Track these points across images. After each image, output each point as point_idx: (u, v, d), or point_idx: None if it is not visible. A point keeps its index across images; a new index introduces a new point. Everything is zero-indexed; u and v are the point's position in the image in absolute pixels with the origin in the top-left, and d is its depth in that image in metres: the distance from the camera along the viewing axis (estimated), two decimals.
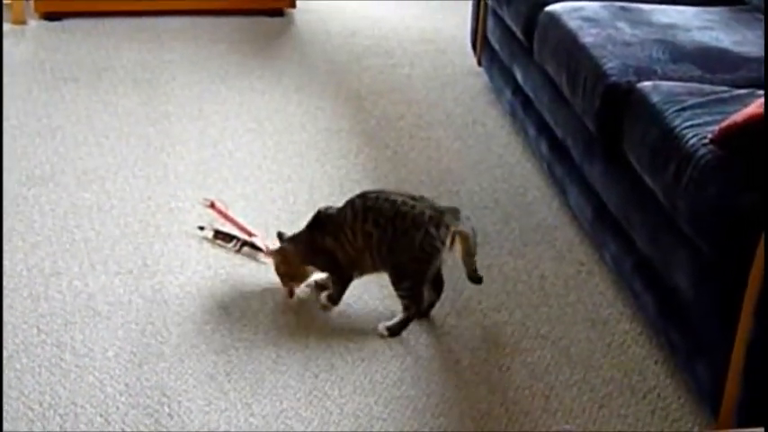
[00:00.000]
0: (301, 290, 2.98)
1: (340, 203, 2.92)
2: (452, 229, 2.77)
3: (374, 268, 2.87)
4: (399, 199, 2.80)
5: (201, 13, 5.26)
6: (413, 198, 2.82)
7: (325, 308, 2.93)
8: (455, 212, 2.82)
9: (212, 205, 3.34)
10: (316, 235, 2.89)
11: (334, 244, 2.85)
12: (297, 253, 2.92)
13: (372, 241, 2.80)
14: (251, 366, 2.68)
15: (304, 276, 2.97)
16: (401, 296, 2.83)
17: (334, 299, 2.93)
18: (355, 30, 5.20)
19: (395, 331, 2.83)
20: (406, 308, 2.83)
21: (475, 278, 2.88)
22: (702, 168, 2.38)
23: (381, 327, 2.84)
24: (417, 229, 2.75)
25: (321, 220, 2.89)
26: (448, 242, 2.77)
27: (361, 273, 2.91)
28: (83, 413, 2.49)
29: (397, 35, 5.13)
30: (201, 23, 5.17)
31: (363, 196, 2.85)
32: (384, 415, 2.53)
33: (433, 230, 2.75)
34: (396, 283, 2.83)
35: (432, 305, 2.91)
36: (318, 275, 2.99)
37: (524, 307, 2.97)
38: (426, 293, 2.87)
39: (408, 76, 4.63)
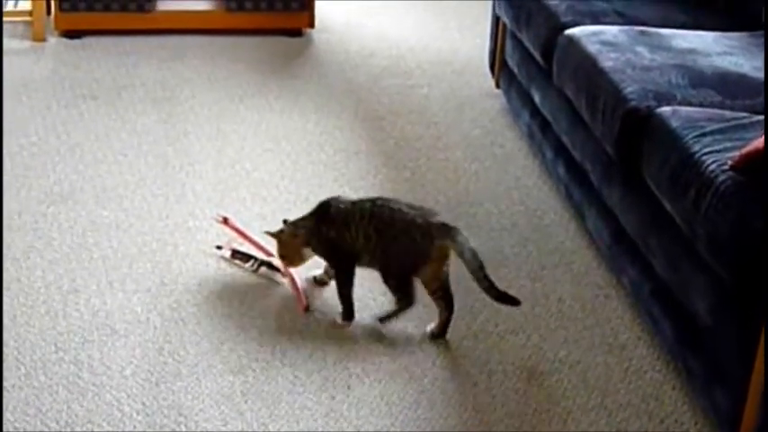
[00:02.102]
0: (319, 311, 2.99)
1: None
2: (437, 242, 2.85)
3: (370, 265, 2.98)
4: (399, 207, 2.93)
5: (220, 33, 5.28)
6: (413, 208, 2.94)
7: (339, 327, 2.95)
8: (448, 229, 2.87)
9: (225, 221, 3.34)
10: (321, 226, 2.99)
11: (336, 237, 2.96)
12: (296, 238, 3.04)
13: (371, 244, 2.91)
14: (268, 387, 2.68)
15: (302, 260, 3.08)
16: (392, 292, 2.95)
17: (346, 315, 2.98)
18: (373, 50, 5.21)
19: (383, 319, 2.96)
20: (398, 300, 2.95)
21: (499, 297, 2.87)
22: (722, 194, 2.38)
23: (373, 316, 2.97)
24: (404, 235, 2.87)
25: (330, 213, 2.99)
26: (434, 254, 2.86)
27: (360, 265, 3.01)
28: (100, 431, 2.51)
29: (415, 56, 5.14)
30: (220, 43, 5.19)
31: (373, 201, 2.97)
32: None
33: (418, 238, 2.86)
34: (384, 280, 2.95)
35: (446, 323, 2.93)
36: (317, 272, 3.13)
37: (541, 330, 2.97)
38: (438, 310, 2.92)
39: (426, 96, 4.64)
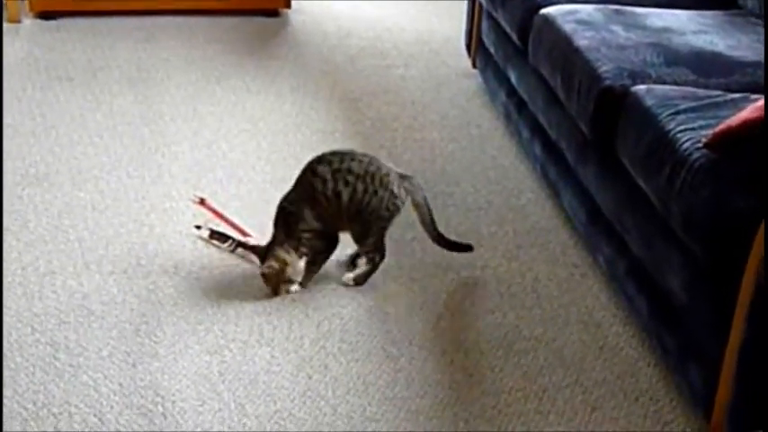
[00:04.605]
0: (296, 289, 2.99)
1: None
2: (410, 194, 3.00)
3: (341, 225, 3.00)
4: (364, 159, 2.95)
5: (196, 13, 5.27)
6: (366, 156, 2.98)
7: (289, 291, 3.01)
8: (409, 178, 3.02)
9: (202, 202, 3.34)
10: (292, 226, 2.95)
11: (312, 218, 2.94)
12: (283, 258, 2.95)
13: (342, 200, 2.92)
14: (245, 367, 2.69)
15: (290, 281, 3.00)
16: (366, 251, 3.01)
17: (304, 281, 3.03)
18: (350, 31, 5.21)
19: (360, 281, 3.02)
20: (370, 260, 3.02)
21: (450, 245, 3.06)
22: (696, 172, 2.39)
23: (347, 278, 3.02)
24: (385, 189, 2.93)
25: (287, 213, 2.97)
26: (407, 203, 3.00)
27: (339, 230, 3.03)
28: (77, 413, 2.50)
29: (391, 36, 5.14)
30: (196, 23, 5.17)
31: (323, 162, 2.94)
32: (377, 416, 2.54)
33: (395, 190, 2.95)
34: (360, 239, 2.99)
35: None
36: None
37: (518, 309, 2.98)
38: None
39: (403, 77, 4.64)
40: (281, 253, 2.94)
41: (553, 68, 3.32)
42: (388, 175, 2.94)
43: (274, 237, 2.98)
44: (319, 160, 2.95)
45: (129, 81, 4.44)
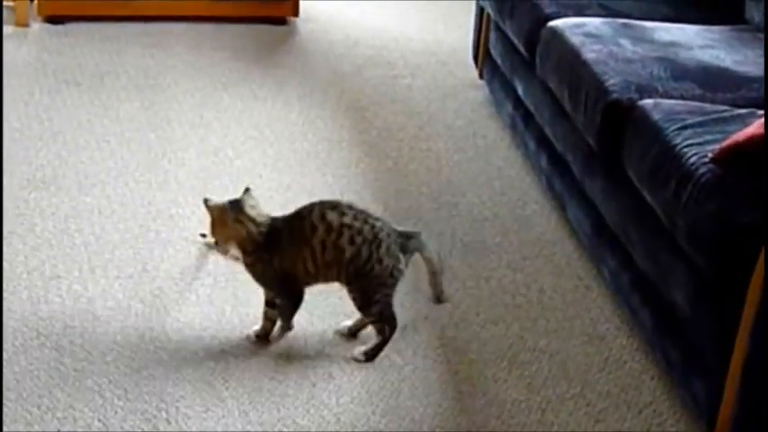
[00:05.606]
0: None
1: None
2: (419, 250, 2.77)
3: (337, 279, 2.73)
4: (376, 224, 2.69)
5: (204, 20, 5.27)
6: (378, 220, 2.71)
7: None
8: (419, 237, 2.78)
9: None
10: (273, 252, 2.73)
11: (293, 259, 2.70)
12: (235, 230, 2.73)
13: (344, 257, 2.66)
14: (249, 374, 2.69)
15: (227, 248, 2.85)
16: (372, 322, 2.79)
17: (287, 325, 2.86)
18: (357, 40, 5.21)
19: (371, 356, 2.78)
20: (380, 331, 2.79)
21: (441, 300, 2.91)
22: (702, 186, 2.40)
23: (357, 352, 2.78)
24: (390, 257, 2.69)
25: (276, 235, 2.73)
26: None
27: (315, 283, 2.78)
28: (81, 417, 2.50)
29: (398, 46, 5.15)
30: (204, 30, 5.18)
31: (336, 210, 2.67)
32: (381, 425, 2.54)
33: (401, 257, 2.71)
34: (364, 307, 2.75)
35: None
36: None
37: (522, 320, 2.98)
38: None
39: (409, 87, 4.64)
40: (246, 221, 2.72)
41: (560, 81, 3.33)
42: (395, 243, 2.69)
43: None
44: (332, 207, 2.68)
45: (137, 87, 4.45)
